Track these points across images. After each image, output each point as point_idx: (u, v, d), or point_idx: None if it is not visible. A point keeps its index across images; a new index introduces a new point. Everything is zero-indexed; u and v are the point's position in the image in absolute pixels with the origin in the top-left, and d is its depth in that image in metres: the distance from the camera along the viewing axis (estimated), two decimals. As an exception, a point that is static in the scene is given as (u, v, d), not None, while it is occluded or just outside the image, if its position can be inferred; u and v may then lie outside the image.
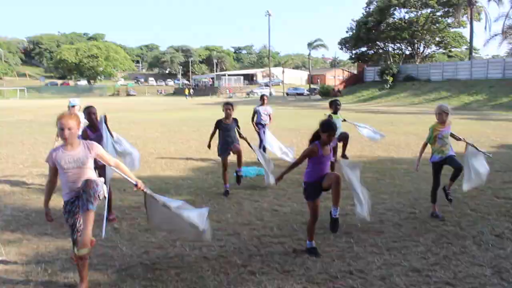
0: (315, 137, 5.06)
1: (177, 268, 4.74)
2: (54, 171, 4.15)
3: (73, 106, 8.53)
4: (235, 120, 8.15)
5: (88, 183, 3.94)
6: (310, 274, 4.59)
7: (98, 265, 4.79)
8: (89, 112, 6.87)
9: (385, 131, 18.68)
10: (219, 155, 8.15)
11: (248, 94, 78.14)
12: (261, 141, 11.52)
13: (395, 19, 65.67)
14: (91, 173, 4.20)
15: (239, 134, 8.12)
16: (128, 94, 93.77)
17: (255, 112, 11.81)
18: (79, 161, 4.10)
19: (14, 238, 5.71)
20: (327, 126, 4.96)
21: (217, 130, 8.13)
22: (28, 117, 29.37)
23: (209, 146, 8.64)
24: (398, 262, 4.89)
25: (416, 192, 8.05)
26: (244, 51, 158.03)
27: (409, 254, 5.12)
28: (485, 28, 54.76)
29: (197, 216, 4.56)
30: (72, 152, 4.09)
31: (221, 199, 7.61)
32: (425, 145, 6.70)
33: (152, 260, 4.95)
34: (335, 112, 9.29)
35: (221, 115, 8.09)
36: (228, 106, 8.03)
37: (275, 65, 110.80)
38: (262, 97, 12.14)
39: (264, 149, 11.33)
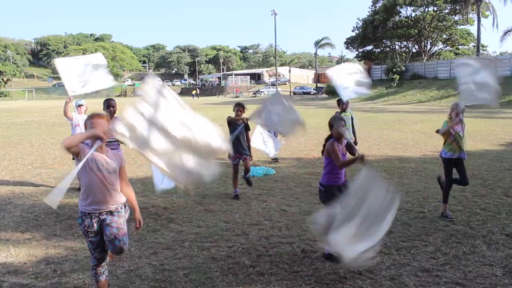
0: (328, 139, 5.03)
1: (186, 269, 4.74)
2: (77, 149, 3.55)
3: (80, 106, 8.52)
4: (245, 123, 7.74)
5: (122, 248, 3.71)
6: (319, 274, 4.58)
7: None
8: (108, 104, 6.85)
9: (392, 130, 18.71)
10: (228, 155, 7.91)
11: (255, 93, 78.06)
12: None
13: (402, 17, 65.35)
14: (116, 192, 3.80)
15: (247, 136, 7.89)
16: (135, 95, 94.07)
17: None
18: (111, 166, 3.72)
19: (23, 239, 5.75)
20: (332, 120, 4.98)
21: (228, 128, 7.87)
22: (36, 118, 29.54)
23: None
24: (407, 262, 4.86)
25: (425, 191, 8.00)
26: (250, 51, 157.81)
27: (419, 254, 5.09)
28: (493, 24, 54.09)
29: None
30: (103, 156, 3.72)
31: (229, 199, 7.61)
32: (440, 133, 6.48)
33: (161, 261, 4.96)
34: (343, 110, 9.28)
35: (228, 114, 8.05)
36: (239, 108, 7.67)
37: (282, 64, 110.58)
38: None
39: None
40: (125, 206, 3.94)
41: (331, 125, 4.95)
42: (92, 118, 3.76)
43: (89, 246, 3.80)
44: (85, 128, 3.80)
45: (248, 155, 7.84)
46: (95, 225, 3.70)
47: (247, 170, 7.89)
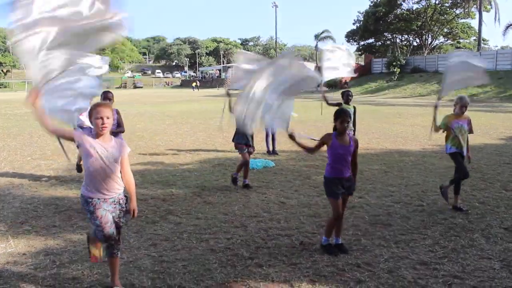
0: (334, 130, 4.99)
1: (184, 260, 4.75)
2: (69, 135, 3.81)
3: None
4: None
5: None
6: (317, 267, 4.59)
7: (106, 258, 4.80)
8: (105, 96, 7.03)
9: (392, 123, 18.70)
10: (235, 145, 8.00)
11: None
12: (267, 135, 11.40)
13: (403, 10, 65.15)
14: (118, 178, 3.89)
15: None
16: (135, 86, 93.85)
17: None
18: (111, 155, 3.77)
19: (22, 230, 5.75)
20: (337, 113, 4.89)
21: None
22: (36, 109, 29.42)
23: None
24: (405, 255, 4.87)
25: (424, 185, 8.01)
26: (251, 43, 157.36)
27: (417, 247, 5.10)
28: (495, 18, 53.98)
29: None
30: (105, 144, 3.77)
31: (228, 192, 7.61)
32: (437, 129, 6.55)
33: (160, 253, 4.96)
34: (346, 103, 9.28)
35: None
36: None
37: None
38: None
39: (274, 140, 11.26)
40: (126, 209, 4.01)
41: (336, 118, 4.89)
42: (97, 107, 3.79)
43: (96, 224, 3.79)
44: (90, 117, 3.82)
45: (251, 146, 7.95)
46: (101, 203, 3.80)
47: (246, 172, 7.97)
